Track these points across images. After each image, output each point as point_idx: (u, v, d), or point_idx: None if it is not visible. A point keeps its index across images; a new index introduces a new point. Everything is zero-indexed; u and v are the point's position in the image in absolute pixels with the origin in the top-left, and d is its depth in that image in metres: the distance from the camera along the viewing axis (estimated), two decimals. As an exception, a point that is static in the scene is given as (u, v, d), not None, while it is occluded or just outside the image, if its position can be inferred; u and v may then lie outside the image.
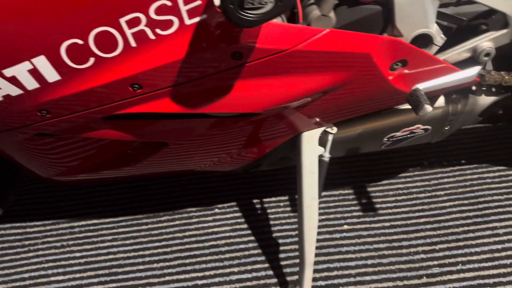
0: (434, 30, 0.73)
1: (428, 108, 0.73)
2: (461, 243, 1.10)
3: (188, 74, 0.68)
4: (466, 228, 1.13)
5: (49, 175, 0.95)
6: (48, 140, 0.80)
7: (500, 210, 1.16)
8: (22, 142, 0.80)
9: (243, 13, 0.54)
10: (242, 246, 1.13)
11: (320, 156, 0.90)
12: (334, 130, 0.90)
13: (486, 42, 0.77)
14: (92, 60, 0.64)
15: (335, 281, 1.04)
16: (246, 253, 1.11)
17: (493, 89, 0.93)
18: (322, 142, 0.90)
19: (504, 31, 0.76)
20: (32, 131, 0.76)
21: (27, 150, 0.84)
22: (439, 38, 0.74)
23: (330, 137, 0.90)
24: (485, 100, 0.93)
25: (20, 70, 0.63)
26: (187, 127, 0.80)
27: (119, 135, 0.79)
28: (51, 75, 0.65)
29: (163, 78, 0.68)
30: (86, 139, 0.81)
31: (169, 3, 0.59)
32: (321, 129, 0.89)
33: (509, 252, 1.07)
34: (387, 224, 1.15)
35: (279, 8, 0.54)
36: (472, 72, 0.79)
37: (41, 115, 0.71)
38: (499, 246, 1.08)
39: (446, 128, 0.96)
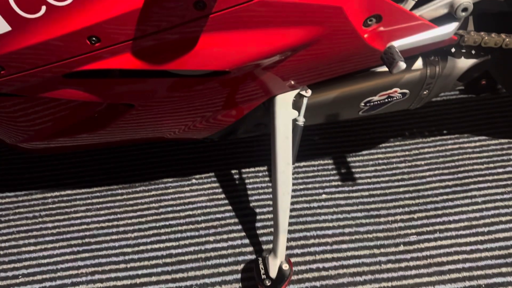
0: (409, -17, 0.70)
1: (402, 64, 0.70)
2: (439, 212, 1.09)
3: (148, 26, 0.64)
4: (445, 197, 1.12)
5: (14, 142, 0.92)
6: (7, 102, 0.77)
7: (480, 179, 1.15)
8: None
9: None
10: (218, 215, 1.11)
11: (294, 120, 0.87)
12: (309, 93, 0.87)
13: (463, -4, 0.73)
14: (43, 9, 0.60)
15: (312, 249, 1.02)
16: (223, 222, 1.09)
17: (473, 52, 0.90)
18: (296, 106, 0.88)
19: (482, -16, 0.73)
20: (-13, 90, 0.72)
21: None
22: (415, -8, 0.71)
23: (305, 100, 0.87)
24: (464, 63, 0.90)
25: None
26: (152, 87, 0.77)
27: (81, 96, 0.76)
28: (1, 25, 0.61)
29: (121, 31, 0.64)
30: (48, 101, 0.78)
31: None
32: (295, 92, 0.87)
33: (486, 220, 1.06)
34: (366, 193, 1.14)
35: None
36: (449, 28, 0.76)
37: (-5, 71, 0.68)
38: (477, 214, 1.07)
39: (425, 92, 0.94)
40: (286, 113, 0.86)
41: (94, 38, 0.64)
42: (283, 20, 0.67)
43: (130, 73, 0.73)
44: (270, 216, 1.10)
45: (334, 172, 1.19)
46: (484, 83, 1.32)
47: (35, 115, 0.83)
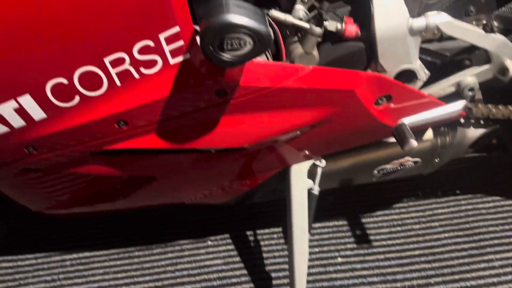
0: (417, 65, 0.74)
1: (413, 143, 0.73)
2: (456, 276, 1.08)
3: (173, 111, 0.69)
4: (461, 261, 1.11)
5: (38, 209, 0.95)
6: (36, 175, 0.81)
7: (496, 241, 1.14)
8: (10, 177, 0.81)
9: (223, 54, 0.55)
10: (234, 280, 1.11)
11: (310, 190, 0.90)
12: (323, 163, 0.90)
13: (469, 77, 0.77)
14: (77, 99, 0.65)
15: (328, 317, 1.02)
16: (238, 287, 1.09)
17: (482, 121, 0.93)
18: (311, 175, 0.90)
19: (487, 66, 0.77)
20: (19, 167, 0.76)
21: (15, 185, 0.84)
22: (423, 74, 0.75)
23: (319, 170, 0.90)
24: (474, 133, 0.93)
25: (6, 109, 0.64)
26: (174, 161, 0.81)
27: (106, 171, 0.79)
28: (37, 113, 0.66)
29: (148, 115, 0.69)
30: (74, 174, 0.82)
31: (152, 44, 0.60)
32: (310, 162, 0.90)
33: (505, 286, 1.05)
34: (382, 256, 1.14)
35: (258, 49, 0.55)
36: (457, 106, 0.79)
37: (28, 152, 0.72)
38: (495, 279, 1.06)
39: (436, 160, 0.96)
40: (302, 183, 0.89)
41: (122, 122, 0.69)
42: (299, 103, 0.72)
43: (154, 149, 0.77)
44: (286, 280, 1.10)
45: (349, 234, 1.20)
46: (495, 142, 1.33)
47: (60, 186, 0.87)
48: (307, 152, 0.87)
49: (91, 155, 0.75)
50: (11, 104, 0.64)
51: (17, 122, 0.66)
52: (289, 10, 0.74)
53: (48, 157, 0.74)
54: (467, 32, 0.71)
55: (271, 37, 0.55)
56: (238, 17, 0.53)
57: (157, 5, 0.56)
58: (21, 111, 0.65)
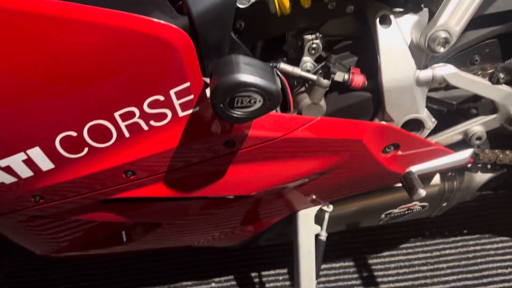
0: (424, 115, 0.74)
1: (422, 192, 0.72)
2: (466, 322, 1.05)
3: (181, 161, 0.68)
4: (471, 305, 1.09)
5: (43, 253, 0.94)
6: (41, 222, 0.80)
7: (506, 285, 1.12)
8: (15, 224, 0.80)
9: (233, 111, 0.55)
10: (239, 323, 1.09)
11: (317, 235, 0.89)
12: (330, 208, 0.89)
13: (476, 126, 0.77)
14: (86, 150, 0.65)
15: None
16: (243, 332, 1.07)
17: (489, 166, 0.93)
18: (318, 219, 0.89)
19: (494, 116, 0.77)
20: (25, 215, 0.76)
21: (20, 231, 0.83)
22: (430, 123, 0.75)
23: (327, 216, 0.89)
24: (481, 177, 0.93)
25: (15, 161, 0.64)
26: (180, 208, 0.80)
27: (111, 218, 0.79)
28: (45, 164, 0.65)
29: (156, 166, 0.69)
30: (79, 221, 0.81)
31: (162, 98, 0.61)
32: (317, 207, 0.89)
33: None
34: (389, 300, 1.11)
35: (268, 106, 0.56)
36: (464, 154, 0.79)
37: (35, 201, 0.72)
38: (506, 326, 1.04)
39: (444, 204, 0.95)
40: (309, 228, 0.88)
41: (129, 172, 0.69)
42: (307, 152, 0.72)
43: (160, 198, 0.77)
44: (292, 325, 1.07)
45: (356, 275, 1.18)
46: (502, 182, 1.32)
47: (64, 232, 0.86)
48: (314, 198, 0.86)
49: (97, 203, 0.75)
50: (20, 156, 0.64)
51: (25, 172, 0.66)
52: (296, 59, 0.75)
53: (54, 205, 0.73)
54: (473, 83, 0.72)
55: (280, 95, 0.55)
56: (249, 77, 0.53)
57: (169, 64, 0.56)
58: (29, 162, 0.65)
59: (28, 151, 0.63)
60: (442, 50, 0.66)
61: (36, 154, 0.64)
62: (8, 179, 0.67)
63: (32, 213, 0.75)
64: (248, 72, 0.54)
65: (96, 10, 0.51)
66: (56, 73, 0.55)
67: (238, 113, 0.56)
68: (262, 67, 0.57)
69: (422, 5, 0.72)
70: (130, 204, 0.77)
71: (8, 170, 0.65)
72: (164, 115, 0.63)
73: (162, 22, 0.53)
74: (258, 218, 0.89)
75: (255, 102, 0.55)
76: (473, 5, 0.65)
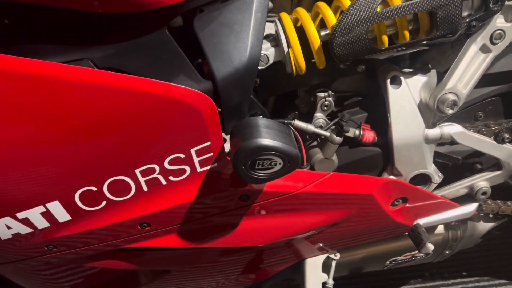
0: (431, 170, 0.77)
1: (430, 247, 0.74)
2: None
3: (196, 214, 0.70)
4: None
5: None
6: (53, 269, 0.80)
7: (506, 330, 1.13)
8: (26, 270, 0.80)
9: (254, 173, 0.57)
10: None
11: (324, 283, 0.89)
12: (338, 256, 0.90)
13: (482, 181, 0.80)
14: (103, 203, 0.66)
15: None
16: None
17: (491, 216, 0.95)
18: (325, 267, 0.90)
19: (498, 172, 0.80)
20: (37, 262, 0.76)
21: (31, 277, 0.83)
22: (437, 177, 0.78)
23: (333, 263, 0.90)
24: (484, 226, 0.95)
25: (33, 213, 0.65)
26: (190, 257, 0.81)
27: (122, 265, 0.79)
28: (62, 216, 0.66)
29: (171, 218, 0.70)
30: (88, 267, 0.81)
31: (183, 156, 0.62)
32: (324, 255, 0.90)
33: None
34: None
35: (287, 168, 0.57)
36: (470, 208, 0.82)
37: (48, 249, 0.72)
38: None
39: (447, 251, 0.97)
40: (316, 276, 0.89)
41: (145, 224, 0.70)
42: (319, 205, 0.73)
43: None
44: None
45: (358, 319, 1.18)
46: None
47: (76, 276, 0.86)
48: (322, 246, 0.88)
49: (109, 251, 0.75)
50: (39, 209, 0.64)
51: (42, 224, 0.67)
52: (307, 112, 0.78)
53: (66, 254, 0.74)
54: (479, 142, 0.75)
55: (299, 158, 0.57)
56: (270, 141, 0.55)
57: (193, 125, 0.58)
58: (47, 215, 0.65)
59: (48, 205, 0.64)
60: (450, 111, 0.69)
61: (55, 207, 0.64)
62: (24, 229, 0.67)
63: (44, 261, 0.75)
64: (269, 137, 0.56)
65: (130, 78, 0.53)
66: (86, 134, 0.56)
67: (259, 174, 0.57)
68: (281, 129, 0.60)
69: (430, 65, 0.75)
70: (141, 252, 0.78)
71: (25, 221, 0.66)
72: (183, 171, 0.64)
73: (189, 88, 0.55)
74: (266, 266, 0.90)
75: (275, 164, 0.57)
76: (479, 70, 0.69)
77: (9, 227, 0.66)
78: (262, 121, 0.59)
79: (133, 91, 0.54)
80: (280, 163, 0.57)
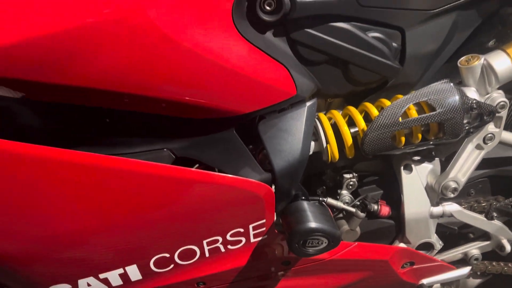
0: (434, 239, 0.93)
1: (434, 303, 0.90)
2: None
3: (245, 275, 0.84)
4: None
5: None
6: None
7: None
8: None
9: (305, 249, 0.72)
10: None
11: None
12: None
13: (474, 249, 0.97)
14: (171, 266, 0.79)
15: None
16: None
17: (478, 273, 1.12)
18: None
19: (488, 242, 0.98)
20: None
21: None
22: (438, 245, 0.94)
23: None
24: (474, 282, 1.11)
25: (113, 274, 0.77)
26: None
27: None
28: (135, 276, 0.79)
29: (224, 278, 0.83)
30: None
31: (242, 230, 0.77)
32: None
33: None
34: None
35: (331, 246, 0.73)
36: (464, 271, 0.98)
37: (115, 304, 0.84)
38: None
39: (442, 303, 1.13)
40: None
41: (201, 283, 0.83)
42: (344, 269, 0.88)
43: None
44: None
45: None
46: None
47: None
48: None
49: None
50: (119, 271, 0.77)
51: (116, 282, 0.79)
52: (333, 187, 0.94)
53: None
54: (474, 219, 0.92)
55: (341, 237, 0.73)
56: (319, 225, 0.71)
57: (255, 208, 0.73)
58: (123, 275, 0.78)
59: (127, 267, 0.77)
60: (452, 195, 0.86)
61: (132, 270, 0.77)
62: (100, 286, 0.80)
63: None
64: (318, 221, 0.71)
65: (214, 175, 0.68)
66: (174, 218, 0.70)
67: (309, 251, 0.72)
68: (322, 211, 0.75)
69: (433, 153, 0.93)
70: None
71: (104, 281, 0.78)
72: (239, 241, 0.79)
73: (255, 181, 0.70)
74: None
75: (322, 243, 0.72)
76: (475, 163, 0.86)
77: (89, 285, 0.78)
78: (307, 206, 0.74)
79: (216, 184, 0.68)
80: (325, 242, 0.72)
